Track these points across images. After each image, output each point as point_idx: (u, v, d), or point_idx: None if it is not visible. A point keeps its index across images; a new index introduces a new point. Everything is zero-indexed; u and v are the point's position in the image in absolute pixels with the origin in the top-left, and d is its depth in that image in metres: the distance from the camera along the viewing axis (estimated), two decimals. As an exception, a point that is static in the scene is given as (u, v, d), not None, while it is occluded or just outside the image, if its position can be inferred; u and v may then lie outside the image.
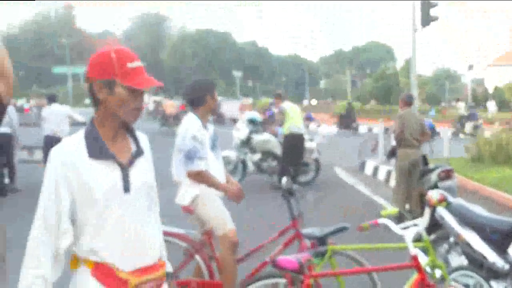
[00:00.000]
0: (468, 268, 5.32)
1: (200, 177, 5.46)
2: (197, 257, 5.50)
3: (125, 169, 2.77)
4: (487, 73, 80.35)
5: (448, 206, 5.58)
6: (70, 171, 2.64)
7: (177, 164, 5.59)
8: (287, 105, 14.11)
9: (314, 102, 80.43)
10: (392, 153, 11.37)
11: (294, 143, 13.83)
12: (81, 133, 2.77)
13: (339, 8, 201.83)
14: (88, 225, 2.68)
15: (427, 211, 4.80)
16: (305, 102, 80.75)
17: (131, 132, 2.92)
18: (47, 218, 2.62)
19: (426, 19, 18.51)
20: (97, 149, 2.72)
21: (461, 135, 31.41)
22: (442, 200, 5.12)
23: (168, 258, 5.63)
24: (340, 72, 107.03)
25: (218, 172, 5.64)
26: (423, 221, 4.68)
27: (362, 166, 17.75)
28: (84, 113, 15.83)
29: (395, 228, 4.57)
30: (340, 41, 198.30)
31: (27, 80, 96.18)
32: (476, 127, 31.21)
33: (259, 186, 13.96)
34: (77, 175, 2.65)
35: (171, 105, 37.04)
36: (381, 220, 4.65)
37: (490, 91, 67.14)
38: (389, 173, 15.08)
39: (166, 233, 5.45)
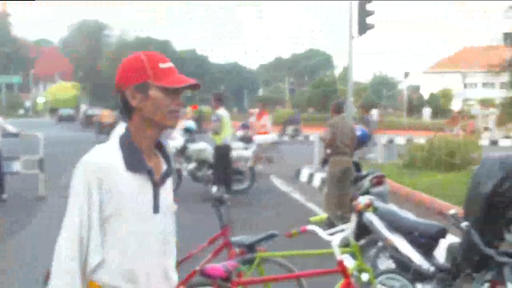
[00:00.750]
0: (394, 271, 5.45)
1: None
2: None
3: (156, 188, 2.57)
4: (423, 80, 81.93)
5: (376, 211, 5.71)
6: (104, 183, 2.44)
7: None
8: (224, 113, 13.99)
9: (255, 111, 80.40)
10: (325, 161, 11.52)
11: (226, 154, 13.84)
12: (114, 142, 2.58)
13: (283, 15, 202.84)
14: (109, 243, 2.47)
15: (354, 217, 4.91)
16: (252, 110, 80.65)
17: (161, 149, 2.72)
18: (80, 232, 2.43)
19: (363, 27, 18.81)
20: (135, 162, 2.52)
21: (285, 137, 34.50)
22: (369, 206, 5.23)
23: None
24: (279, 80, 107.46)
25: None
26: (349, 226, 4.78)
27: (298, 173, 17.91)
28: (16, 123, 15.56)
29: (322, 234, 4.66)
30: (280, 49, 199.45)
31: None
32: (296, 130, 36.75)
33: (194, 195, 13.94)
34: (110, 188, 2.45)
35: (108, 114, 37.99)
36: (309, 227, 4.74)
37: (426, 97, 68.37)
38: (323, 180, 15.24)
39: None
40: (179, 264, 5.61)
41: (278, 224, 10.16)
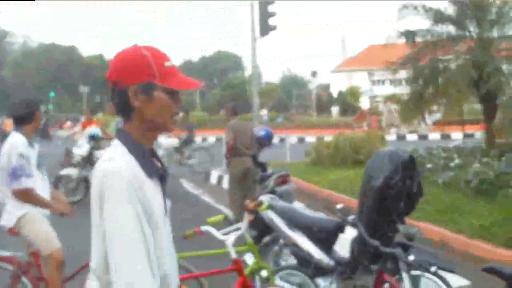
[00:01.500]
0: (293, 267, 5.56)
1: (26, 195, 5.38)
2: (24, 278, 5.42)
3: (164, 190, 2.41)
4: (332, 79, 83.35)
5: (275, 209, 5.80)
6: (137, 192, 2.23)
7: (1, 184, 5.48)
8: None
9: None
10: (228, 163, 11.66)
11: None
12: (120, 150, 2.33)
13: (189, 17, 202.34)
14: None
15: (246, 216, 4.98)
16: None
17: (151, 149, 2.50)
18: (149, 261, 2.20)
19: (265, 29, 19.00)
20: (150, 167, 2.35)
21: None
22: (260, 204, 5.32)
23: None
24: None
25: (44, 190, 5.62)
26: (243, 225, 4.85)
27: (207, 176, 17.97)
28: None
29: (217, 234, 4.71)
30: (188, 51, 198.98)
31: None
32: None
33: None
34: (142, 196, 2.25)
35: (11, 123, 36.69)
36: (204, 228, 4.79)
37: (335, 95, 69.62)
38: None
39: None
40: (74, 275, 5.60)
41: (188, 226, 10.20)
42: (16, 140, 5.52)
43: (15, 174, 5.34)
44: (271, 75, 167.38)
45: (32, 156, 5.54)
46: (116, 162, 2.26)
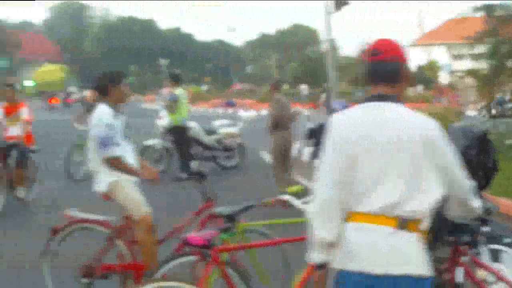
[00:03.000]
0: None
1: (115, 163, 5.74)
2: (119, 241, 5.77)
3: None
4: (410, 53, 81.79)
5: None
6: None
7: (92, 153, 5.86)
8: (181, 93, 14.31)
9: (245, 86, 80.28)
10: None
11: (183, 134, 14.25)
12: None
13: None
14: None
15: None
16: (237, 86, 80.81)
17: None
18: None
19: (339, 4, 18.99)
20: None
21: None
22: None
23: (90, 244, 5.93)
24: (265, 56, 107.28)
25: (131, 158, 5.97)
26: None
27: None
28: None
29: (296, 203, 4.92)
30: (264, 25, 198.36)
31: None
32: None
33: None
34: None
35: (92, 95, 39.55)
36: (284, 197, 5.02)
37: (414, 70, 68.59)
38: (313, 154, 15.52)
39: (87, 221, 5.74)
40: (165, 238, 5.96)
41: (265, 195, 10.49)
42: (103, 111, 5.86)
43: (104, 143, 5.71)
44: (350, 49, 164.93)
45: (118, 126, 5.90)
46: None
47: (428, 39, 79.78)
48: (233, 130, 15.31)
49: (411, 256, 2.96)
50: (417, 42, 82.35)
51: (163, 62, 75.71)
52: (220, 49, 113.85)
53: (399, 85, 3.18)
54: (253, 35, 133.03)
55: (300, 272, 4.70)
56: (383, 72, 3.15)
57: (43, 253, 5.90)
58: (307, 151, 16.06)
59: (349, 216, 3.07)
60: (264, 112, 38.22)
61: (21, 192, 11.10)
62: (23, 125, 11.15)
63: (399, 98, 3.16)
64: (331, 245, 3.08)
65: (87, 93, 44.49)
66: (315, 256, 3.12)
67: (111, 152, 5.72)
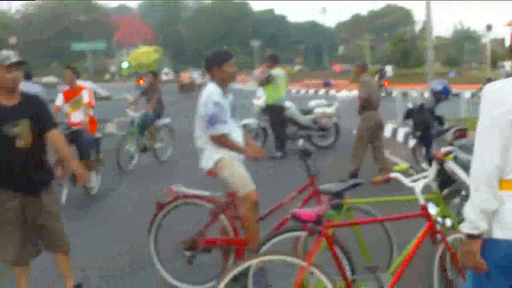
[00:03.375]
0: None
1: (222, 140, 5.85)
2: (222, 217, 5.88)
3: None
4: (508, 32, 79.12)
5: (456, 160, 5.87)
6: None
7: (200, 130, 5.98)
8: (279, 73, 14.44)
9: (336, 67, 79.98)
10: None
11: (279, 114, 14.39)
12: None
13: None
14: None
15: (434, 164, 5.09)
16: (334, 67, 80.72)
17: None
18: None
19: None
20: None
21: None
22: (447, 154, 5.40)
23: (195, 219, 6.04)
24: (358, 38, 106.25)
25: (238, 137, 6.06)
26: (430, 173, 4.96)
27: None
28: (105, 87, 16.18)
29: (405, 181, 4.89)
30: (356, 6, 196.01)
31: (47, 58, 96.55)
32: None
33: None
34: None
35: (185, 76, 50.22)
36: (393, 174, 4.98)
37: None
38: (407, 135, 15.36)
39: (192, 196, 5.86)
40: (267, 215, 6.03)
41: (363, 175, 10.46)
42: (211, 90, 5.95)
43: (211, 121, 5.80)
44: (443, 29, 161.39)
45: (226, 104, 5.98)
46: None
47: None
48: (328, 110, 15.28)
49: None
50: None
51: (255, 43, 76.11)
52: (312, 30, 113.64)
53: None
54: (345, 16, 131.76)
55: (404, 250, 4.68)
56: None
57: (149, 228, 6.06)
58: (403, 131, 15.90)
59: (502, 184, 3.06)
60: (353, 92, 38.26)
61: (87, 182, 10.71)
62: (85, 109, 10.62)
63: None
64: (492, 214, 3.04)
65: (182, 74, 46.95)
66: (476, 225, 3.05)
67: (219, 130, 5.82)
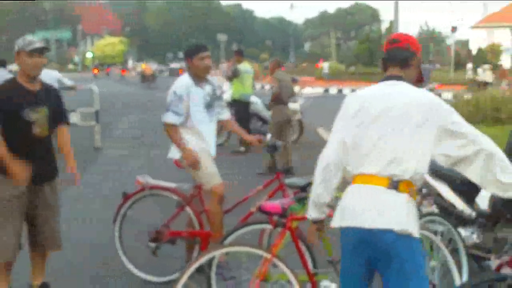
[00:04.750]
0: (437, 215, 5.75)
1: (168, 129, 5.91)
2: (188, 209, 5.92)
3: None
4: (471, 34, 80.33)
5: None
6: None
7: None
8: (246, 68, 14.67)
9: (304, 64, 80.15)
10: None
11: (245, 110, 14.64)
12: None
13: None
14: None
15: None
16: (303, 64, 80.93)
17: None
18: None
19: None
20: None
21: None
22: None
23: (160, 210, 6.06)
24: (325, 35, 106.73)
25: (207, 131, 6.05)
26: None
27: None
28: (70, 78, 16.05)
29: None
30: (324, 3, 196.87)
31: (11, 44, 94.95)
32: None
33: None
34: None
35: (148, 67, 53.06)
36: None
37: (474, 52, 67.27)
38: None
39: (158, 187, 5.90)
40: (231, 208, 6.08)
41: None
42: (179, 80, 6.02)
43: (167, 108, 5.88)
44: (408, 29, 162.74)
45: (196, 96, 5.95)
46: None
47: (491, 21, 78.22)
48: (293, 106, 15.34)
49: (397, 213, 3.30)
50: (479, 24, 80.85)
51: (221, 37, 75.85)
52: (279, 26, 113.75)
53: (408, 70, 3.66)
54: (313, 13, 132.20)
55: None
56: (398, 57, 3.66)
57: (114, 217, 6.08)
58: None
59: (352, 178, 3.52)
60: (321, 89, 38.49)
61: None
62: None
63: (408, 80, 3.62)
64: (326, 205, 3.74)
65: (144, 66, 48.30)
66: (309, 213, 3.82)
67: (167, 118, 5.86)
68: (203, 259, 4.34)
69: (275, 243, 4.41)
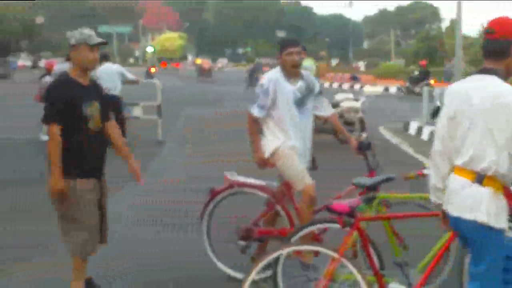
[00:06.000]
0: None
1: (250, 122, 5.85)
2: (278, 207, 5.78)
3: None
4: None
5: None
6: None
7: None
8: (307, 64, 14.21)
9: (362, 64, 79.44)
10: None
11: None
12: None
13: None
14: None
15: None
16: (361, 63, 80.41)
17: None
18: None
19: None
20: None
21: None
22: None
23: (251, 208, 5.91)
24: (384, 33, 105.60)
25: (296, 127, 5.84)
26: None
27: (406, 126, 17.97)
28: (132, 72, 16.23)
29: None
30: (384, 1, 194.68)
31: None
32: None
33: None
34: None
35: (206, 62, 57.60)
36: (426, 171, 4.99)
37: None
38: (432, 133, 15.30)
39: (247, 185, 5.80)
40: (322, 208, 5.79)
41: (390, 172, 10.41)
42: (269, 73, 5.97)
43: (253, 101, 5.83)
44: (469, 28, 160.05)
45: (285, 90, 5.79)
46: None
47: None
48: (355, 104, 15.25)
49: (481, 206, 3.53)
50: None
51: (280, 34, 75.95)
52: (338, 23, 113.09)
53: (504, 61, 3.62)
54: (372, 11, 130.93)
55: (434, 247, 4.68)
56: (491, 49, 3.65)
57: (201, 214, 6.01)
58: (428, 130, 15.83)
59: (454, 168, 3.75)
60: (381, 88, 38.08)
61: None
62: None
63: (504, 72, 3.64)
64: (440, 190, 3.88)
65: (202, 61, 50.04)
66: (431, 196, 3.99)
67: (251, 109, 5.81)
68: (271, 257, 4.33)
69: (343, 243, 4.36)
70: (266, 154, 5.83)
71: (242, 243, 5.77)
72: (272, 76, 5.85)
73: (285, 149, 5.76)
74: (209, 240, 6.06)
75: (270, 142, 5.83)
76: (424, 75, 35.52)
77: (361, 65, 73.92)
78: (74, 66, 4.92)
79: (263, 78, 5.93)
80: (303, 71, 6.01)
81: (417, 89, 33.34)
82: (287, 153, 5.76)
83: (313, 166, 6.17)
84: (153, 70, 47.66)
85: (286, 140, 5.78)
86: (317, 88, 6.05)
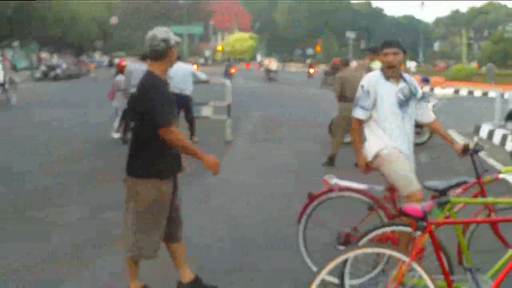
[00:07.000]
0: None
1: (353, 124, 5.78)
2: (381, 212, 5.67)
3: None
4: None
5: None
6: None
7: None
8: (376, 66, 14.24)
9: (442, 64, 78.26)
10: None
11: None
12: None
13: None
14: None
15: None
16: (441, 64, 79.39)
17: None
18: None
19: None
20: None
21: None
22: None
23: (351, 212, 5.92)
24: (456, 34, 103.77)
25: (398, 131, 5.68)
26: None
27: (477, 129, 17.64)
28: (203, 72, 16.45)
29: (516, 181, 4.79)
30: (456, 2, 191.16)
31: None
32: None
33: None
34: None
35: (272, 62, 58.65)
36: (502, 175, 4.89)
37: None
38: (504, 137, 14.97)
39: (349, 189, 5.73)
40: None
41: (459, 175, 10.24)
42: (370, 74, 5.88)
43: (355, 103, 5.77)
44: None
45: (386, 91, 5.68)
46: None
47: None
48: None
49: None
50: None
51: (350, 35, 75.37)
52: (408, 25, 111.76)
53: None
54: (444, 12, 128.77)
55: (507, 253, 4.59)
56: None
57: (299, 217, 5.93)
58: (500, 133, 15.48)
59: None
60: (451, 90, 37.39)
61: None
62: None
63: None
64: None
65: (269, 61, 51.20)
66: None
67: (354, 113, 5.75)
68: (339, 259, 4.31)
69: (414, 247, 4.31)
70: (369, 158, 5.70)
71: (341, 248, 5.61)
72: (372, 77, 5.78)
73: (389, 151, 5.60)
74: (305, 243, 5.97)
75: (372, 144, 5.69)
76: None
77: (442, 65, 73.02)
78: (163, 65, 4.99)
79: (365, 78, 5.84)
80: (404, 74, 5.85)
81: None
82: (392, 155, 5.59)
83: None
84: (233, 70, 48.51)
85: (390, 141, 5.60)
86: (419, 92, 5.87)
